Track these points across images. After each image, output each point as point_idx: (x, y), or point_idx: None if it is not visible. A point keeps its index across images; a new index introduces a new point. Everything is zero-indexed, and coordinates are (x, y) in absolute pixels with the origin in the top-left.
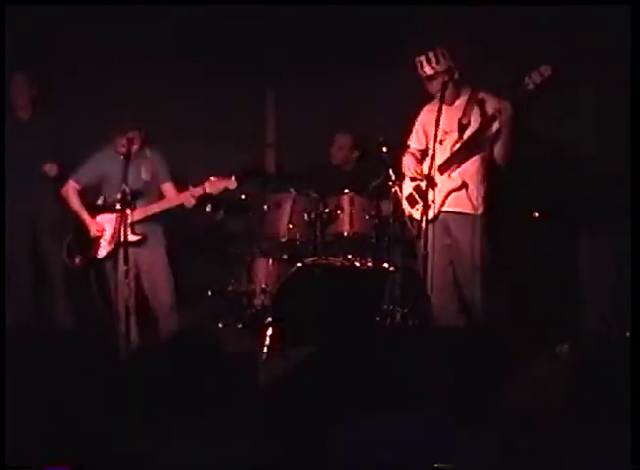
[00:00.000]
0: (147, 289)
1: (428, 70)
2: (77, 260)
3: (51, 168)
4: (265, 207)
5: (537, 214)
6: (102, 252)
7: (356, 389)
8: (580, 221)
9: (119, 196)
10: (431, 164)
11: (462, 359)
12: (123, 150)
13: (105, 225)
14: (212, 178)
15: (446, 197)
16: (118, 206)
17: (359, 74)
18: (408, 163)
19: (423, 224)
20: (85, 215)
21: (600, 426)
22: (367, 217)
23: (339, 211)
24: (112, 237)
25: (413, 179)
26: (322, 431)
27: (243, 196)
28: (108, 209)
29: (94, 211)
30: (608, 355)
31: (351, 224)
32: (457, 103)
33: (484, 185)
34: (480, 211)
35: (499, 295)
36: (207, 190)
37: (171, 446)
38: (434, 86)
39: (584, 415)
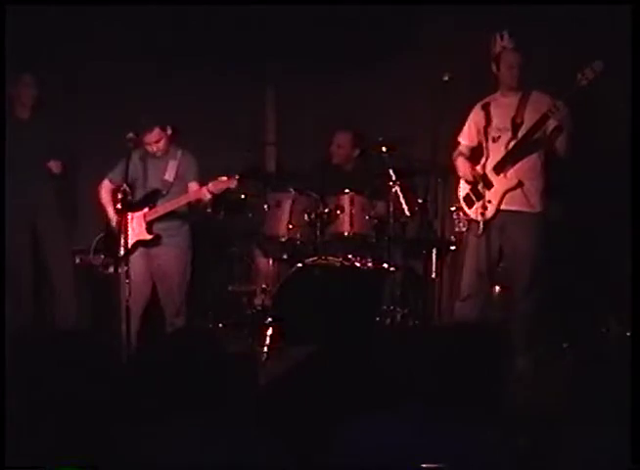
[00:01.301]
0: (159, 290)
1: (508, 43)
2: (102, 259)
3: (55, 166)
4: (265, 207)
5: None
6: (122, 251)
7: (356, 388)
8: (581, 221)
9: (119, 196)
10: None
11: (462, 359)
12: (152, 149)
13: (127, 224)
14: (220, 178)
15: (503, 196)
16: (119, 206)
17: (359, 74)
18: (461, 164)
19: (481, 225)
20: (111, 214)
21: (600, 426)
22: (367, 217)
23: (339, 211)
24: (129, 236)
25: (468, 181)
26: (322, 430)
27: (243, 196)
28: (131, 208)
29: (120, 210)
30: (608, 355)
31: (351, 224)
32: (510, 100)
33: (541, 182)
34: (537, 209)
35: (533, 294)
36: (211, 189)
37: (171, 445)
38: (513, 58)
39: (584, 415)
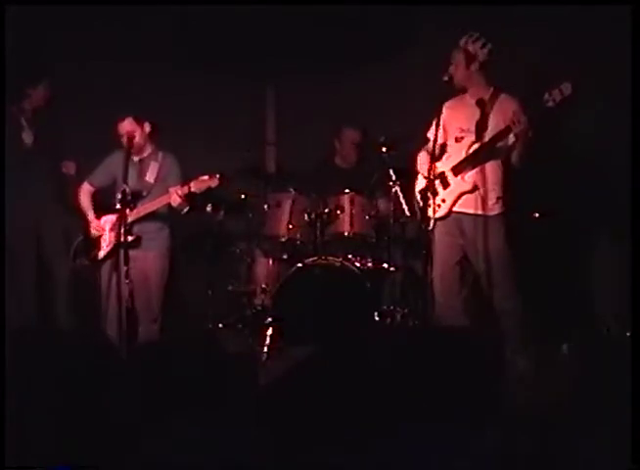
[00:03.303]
0: (135, 293)
1: (464, 42)
2: (81, 261)
3: (69, 167)
4: (265, 207)
5: (537, 215)
6: (101, 253)
7: (355, 388)
8: (580, 221)
9: (119, 196)
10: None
11: (462, 359)
12: (125, 141)
13: (106, 226)
14: (201, 177)
15: (458, 198)
16: (118, 206)
17: (359, 74)
18: (422, 160)
19: (432, 222)
20: (90, 217)
21: (600, 426)
22: (367, 217)
23: (339, 211)
24: (109, 238)
25: (425, 176)
26: (322, 429)
27: (243, 196)
28: (110, 210)
29: (101, 212)
30: (608, 355)
31: (351, 224)
32: (477, 102)
33: (498, 187)
34: (494, 212)
35: (513, 295)
36: (192, 189)
37: (171, 445)
38: (454, 56)
39: (584, 415)
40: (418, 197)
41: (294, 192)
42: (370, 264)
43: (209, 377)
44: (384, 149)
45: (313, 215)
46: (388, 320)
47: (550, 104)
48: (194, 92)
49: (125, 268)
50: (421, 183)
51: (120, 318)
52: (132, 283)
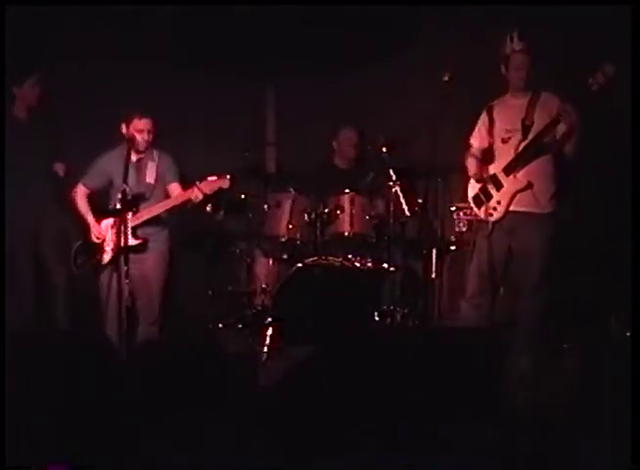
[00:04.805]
0: (137, 295)
1: (517, 46)
2: (82, 264)
3: (59, 168)
4: (265, 207)
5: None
6: (106, 257)
7: (355, 387)
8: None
9: (119, 197)
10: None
11: (462, 359)
12: (136, 138)
13: (108, 229)
14: (209, 178)
15: (512, 197)
16: (118, 206)
17: (359, 74)
18: (471, 164)
19: (490, 226)
20: (90, 220)
21: (600, 426)
22: (367, 217)
23: (339, 211)
24: (113, 241)
25: (478, 181)
26: (322, 429)
27: (243, 196)
28: (112, 212)
29: (100, 215)
30: (608, 355)
31: (351, 224)
32: (519, 102)
33: (551, 184)
34: (547, 210)
35: (540, 294)
36: (203, 190)
37: (171, 445)
38: (521, 61)
39: (584, 415)
40: (472, 204)
41: (294, 192)
42: (370, 264)
43: (209, 377)
44: (384, 149)
45: (313, 215)
46: (388, 320)
47: (595, 87)
48: (194, 92)
49: (125, 268)
50: (474, 189)
51: (120, 318)
52: (132, 283)
